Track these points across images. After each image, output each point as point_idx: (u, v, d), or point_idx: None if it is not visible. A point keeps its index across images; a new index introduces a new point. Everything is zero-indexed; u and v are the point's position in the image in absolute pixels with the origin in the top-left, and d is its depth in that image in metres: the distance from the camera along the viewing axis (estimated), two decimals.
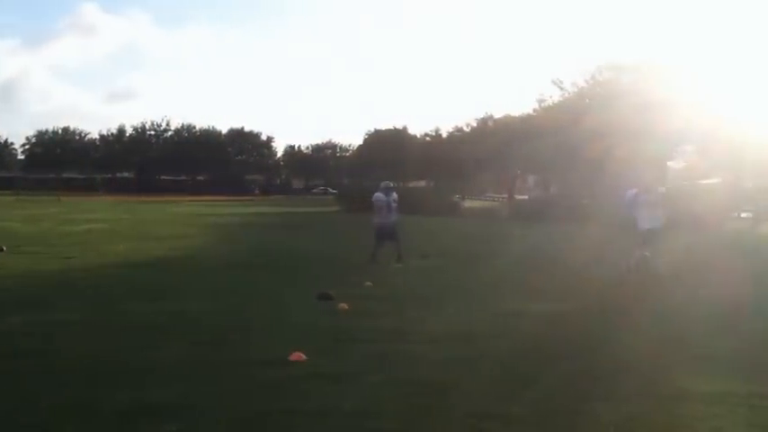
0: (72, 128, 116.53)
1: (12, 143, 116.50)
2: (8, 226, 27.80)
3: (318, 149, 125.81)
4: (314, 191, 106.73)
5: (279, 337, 8.40)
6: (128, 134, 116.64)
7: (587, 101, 45.43)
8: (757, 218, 37.94)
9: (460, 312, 10.42)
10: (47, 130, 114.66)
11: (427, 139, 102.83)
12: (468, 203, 62.40)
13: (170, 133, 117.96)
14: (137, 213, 42.01)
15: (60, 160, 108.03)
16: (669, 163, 44.02)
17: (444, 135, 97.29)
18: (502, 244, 23.03)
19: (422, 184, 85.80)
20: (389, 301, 11.28)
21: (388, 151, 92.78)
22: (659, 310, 10.76)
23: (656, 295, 12.16)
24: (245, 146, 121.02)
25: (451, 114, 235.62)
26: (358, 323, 9.32)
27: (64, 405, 5.78)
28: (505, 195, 78.37)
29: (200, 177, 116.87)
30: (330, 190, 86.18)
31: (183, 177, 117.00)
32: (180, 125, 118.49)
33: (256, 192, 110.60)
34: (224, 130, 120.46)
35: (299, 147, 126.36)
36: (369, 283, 12.88)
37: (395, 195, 16.79)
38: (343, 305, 10.39)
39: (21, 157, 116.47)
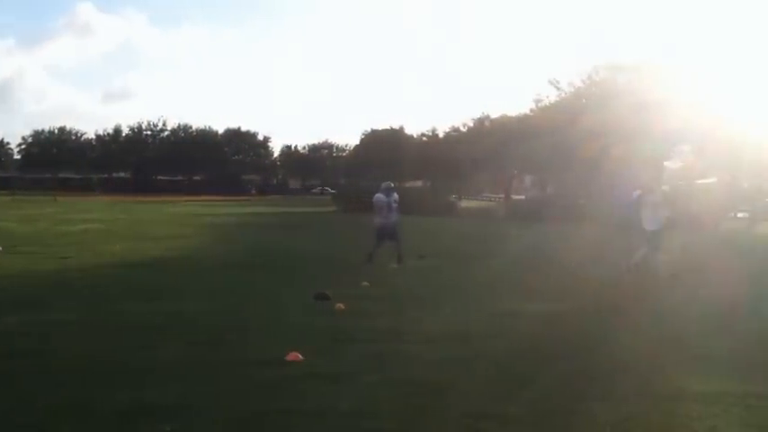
0: (68, 128, 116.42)
1: (8, 143, 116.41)
2: (4, 226, 27.73)
3: (315, 149, 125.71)
4: (313, 191, 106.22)
5: (276, 338, 8.39)
6: (124, 134, 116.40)
7: (584, 101, 45.44)
8: (754, 218, 38.06)
9: (457, 312, 10.43)
10: (43, 130, 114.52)
11: (424, 139, 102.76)
12: (464, 203, 62.58)
13: (166, 133, 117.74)
14: (133, 213, 41.94)
15: (56, 160, 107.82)
16: (666, 163, 44.03)
17: (441, 135, 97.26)
18: (498, 244, 23.05)
19: (418, 184, 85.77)
20: (386, 301, 11.28)
21: (385, 151, 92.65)
22: (656, 309, 10.78)
23: (653, 295, 12.18)
24: (242, 146, 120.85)
25: (448, 114, 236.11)
26: (355, 323, 9.32)
27: (60, 405, 5.78)
28: (502, 195, 78.53)
29: (196, 177, 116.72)
30: (329, 190, 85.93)
31: (179, 177, 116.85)
32: (176, 125, 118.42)
33: (253, 192, 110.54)
34: (220, 130, 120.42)
35: (295, 147, 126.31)
36: (365, 284, 12.88)
37: (396, 196, 16.75)
38: (340, 305, 10.39)
39: (17, 156, 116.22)
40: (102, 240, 22.25)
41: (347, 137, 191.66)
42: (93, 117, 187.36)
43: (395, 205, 16.53)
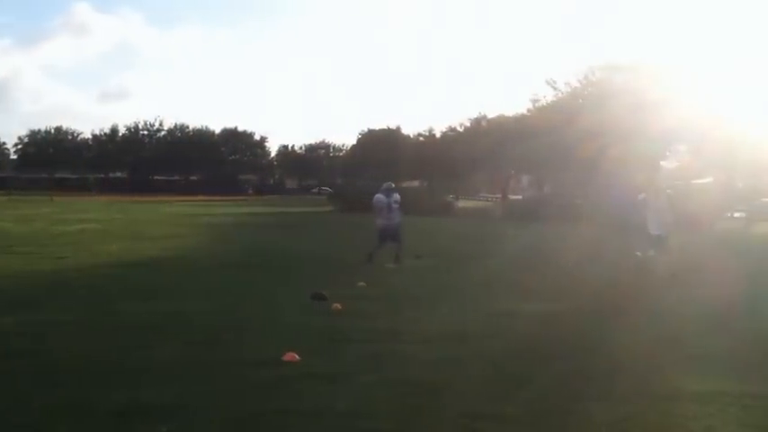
0: (65, 128, 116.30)
1: (4, 143, 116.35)
2: (0, 226, 27.69)
3: (312, 149, 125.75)
4: (312, 191, 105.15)
5: (272, 338, 8.38)
6: (121, 134, 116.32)
7: (581, 101, 45.56)
8: (750, 218, 38.12)
9: (454, 312, 10.43)
10: (39, 130, 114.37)
11: (421, 138, 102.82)
12: (461, 203, 62.55)
13: (163, 133, 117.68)
14: (130, 213, 41.89)
15: (53, 160, 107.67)
16: (662, 163, 44.12)
17: (438, 135, 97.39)
18: (495, 244, 23.06)
19: (415, 184, 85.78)
20: (383, 301, 11.28)
21: (382, 151, 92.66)
22: (653, 309, 10.79)
23: (650, 295, 12.19)
24: (239, 146, 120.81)
25: (445, 114, 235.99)
26: (351, 323, 9.32)
27: (57, 405, 5.76)
28: (499, 195, 78.57)
29: (193, 177, 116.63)
30: (328, 189, 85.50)
31: (176, 177, 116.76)
32: (173, 125, 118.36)
33: (250, 192, 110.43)
34: (217, 130, 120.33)
35: (292, 146, 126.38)
36: (362, 284, 12.88)
37: (397, 196, 16.71)
38: (337, 305, 10.39)
39: (13, 156, 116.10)
40: (99, 240, 22.22)
41: (344, 137, 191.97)
42: (89, 117, 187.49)
43: (395, 206, 16.49)
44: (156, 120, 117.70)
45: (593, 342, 8.38)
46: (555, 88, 50.05)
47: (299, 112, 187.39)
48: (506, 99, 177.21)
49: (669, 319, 10.00)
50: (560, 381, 6.70)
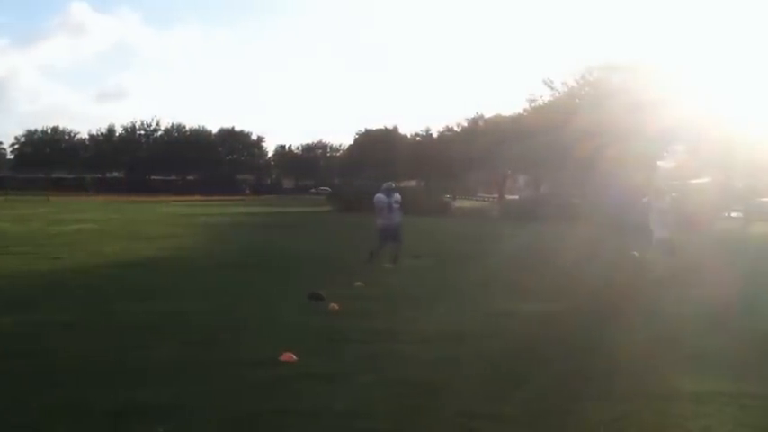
0: (61, 127, 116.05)
1: (1, 143, 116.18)
2: None
3: (309, 149, 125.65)
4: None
5: (270, 338, 8.37)
6: (117, 134, 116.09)
7: (578, 101, 45.56)
8: (747, 218, 38.16)
9: (451, 312, 10.43)
10: (36, 130, 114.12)
11: (418, 138, 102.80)
12: (458, 203, 62.55)
13: (160, 133, 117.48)
14: (126, 213, 41.85)
15: (50, 160, 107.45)
16: (659, 162, 44.16)
17: (435, 135, 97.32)
18: (493, 244, 23.07)
19: (412, 183, 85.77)
20: (381, 301, 11.27)
21: (379, 151, 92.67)
22: (651, 309, 10.79)
23: (647, 295, 12.19)
24: (236, 146, 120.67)
25: (442, 114, 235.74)
26: (349, 323, 9.31)
27: (55, 405, 5.76)
28: (496, 195, 78.59)
29: (190, 177, 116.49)
30: (328, 189, 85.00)
31: (173, 177, 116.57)
32: (170, 125, 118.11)
33: (247, 192, 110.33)
34: (214, 130, 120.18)
35: (289, 146, 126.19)
36: (359, 284, 12.87)
37: (397, 196, 16.63)
38: (334, 305, 10.38)
39: (10, 156, 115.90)
40: (96, 240, 22.19)
41: (341, 137, 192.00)
42: (86, 117, 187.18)
43: (396, 206, 16.42)
44: (152, 120, 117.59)
45: (590, 342, 8.38)
46: (552, 88, 50.13)
47: (296, 112, 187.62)
48: (503, 99, 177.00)
49: (667, 318, 10.01)
50: (558, 380, 6.70)
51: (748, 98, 37.41)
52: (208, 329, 8.82)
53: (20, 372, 6.75)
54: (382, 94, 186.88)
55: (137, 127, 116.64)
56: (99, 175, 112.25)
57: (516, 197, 66.49)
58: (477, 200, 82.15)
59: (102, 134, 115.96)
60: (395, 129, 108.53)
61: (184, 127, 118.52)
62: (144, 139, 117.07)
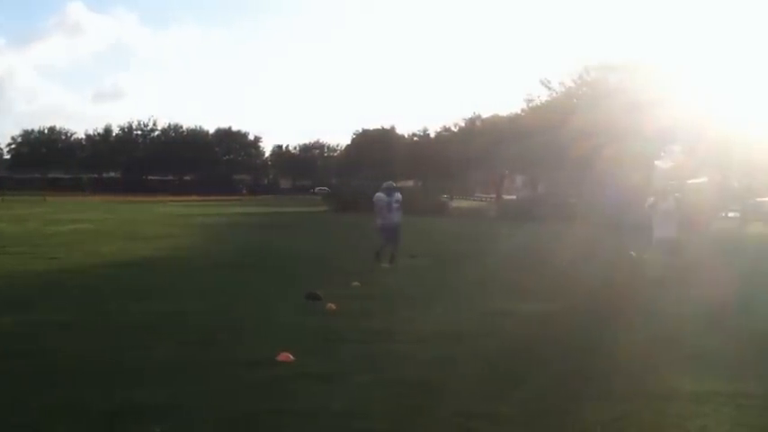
0: (58, 128, 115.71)
1: None
2: None
3: (306, 149, 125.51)
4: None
5: (266, 338, 8.37)
6: (114, 134, 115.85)
7: (575, 101, 45.53)
8: (744, 217, 38.19)
9: (449, 312, 10.43)
10: (33, 130, 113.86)
11: (415, 138, 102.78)
12: (456, 203, 62.62)
13: (157, 133, 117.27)
14: (123, 213, 41.80)
15: (46, 160, 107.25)
16: (656, 162, 44.15)
17: (432, 135, 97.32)
18: (490, 243, 23.09)
19: (410, 183, 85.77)
20: (378, 300, 11.26)
21: (376, 151, 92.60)
22: (649, 309, 10.79)
23: (645, 294, 12.18)
24: (233, 146, 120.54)
25: (439, 114, 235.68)
26: (346, 323, 9.31)
27: (52, 405, 5.76)
28: (493, 195, 78.61)
29: (187, 177, 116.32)
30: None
31: (169, 177, 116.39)
32: (167, 125, 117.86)
33: (244, 192, 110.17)
34: (211, 130, 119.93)
35: (286, 146, 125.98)
36: (356, 283, 12.86)
37: (398, 196, 16.57)
38: (331, 305, 10.38)
39: (6, 156, 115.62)
40: (92, 240, 22.17)
41: (338, 137, 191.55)
42: (83, 117, 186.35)
43: (396, 205, 16.37)
44: (149, 119, 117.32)
45: (588, 342, 8.38)
46: (549, 88, 50.06)
47: (293, 112, 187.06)
48: (501, 99, 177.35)
49: (665, 318, 10.00)
50: (556, 380, 6.69)
51: (745, 98, 37.42)
52: (205, 329, 8.81)
53: (17, 372, 6.74)
54: (379, 93, 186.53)
55: (133, 127, 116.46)
56: (96, 176, 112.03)
57: (514, 197, 66.54)
58: (474, 200, 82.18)
59: (98, 134, 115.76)
60: (392, 129, 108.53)
61: (181, 127, 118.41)
62: (141, 139, 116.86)
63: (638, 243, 16.12)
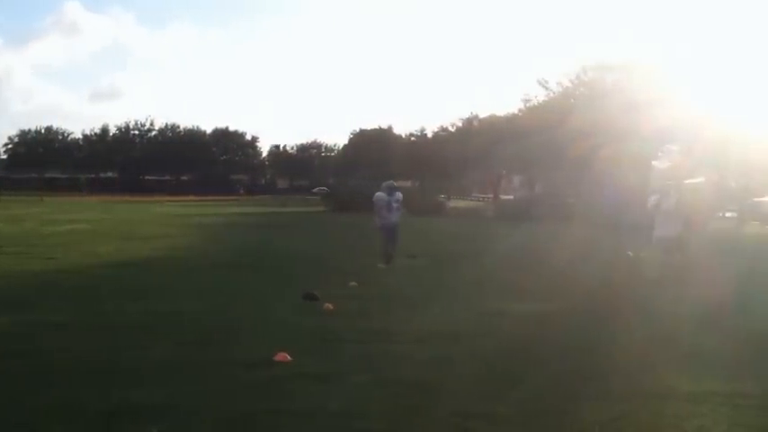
0: (55, 127, 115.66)
1: None
2: None
3: (303, 149, 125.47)
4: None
5: (264, 338, 8.35)
6: (111, 134, 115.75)
7: (572, 101, 45.56)
8: (741, 217, 38.22)
9: (446, 312, 10.42)
10: (29, 130, 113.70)
11: (412, 138, 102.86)
12: (453, 203, 62.59)
13: (154, 133, 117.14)
14: (120, 213, 41.76)
15: (43, 160, 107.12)
16: (654, 162, 44.16)
17: (430, 135, 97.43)
18: (487, 243, 23.08)
19: (407, 183, 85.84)
20: (375, 301, 11.26)
21: (374, 151, 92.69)
22: (646, 308, 10.79)
23: (643, 294, 12.18)
24: (230, 146, 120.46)
25: (437, 114, 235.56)
26: (343, 323, 9.30)
27: (50, 405, 5.75)
28: (491, 195, 78.64)
29: (184, 177, 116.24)
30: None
31: (167, 177, 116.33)
32: (164, 125, 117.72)
33: (241, 192, 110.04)
34: (208, 130, 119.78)
35: (284, 146, 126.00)
36: (354, 284, 12.86)
37: (399, 195, 16.52)
38: (329, 305, 10.37)
39: (3, 156, 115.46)
40: (89, 240, 22.14)
41: (336, 136, 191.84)
42: (80, 117, 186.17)
43: (396, 205, 16.32)
44: (146, 119, 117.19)
45: (585, 341, 8.38)
46: (546, 88, 50.06)
47: (290, 111, 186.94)
48: (498, 99, 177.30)
49: (662, 318, 10.00)
50: (553, 380, 6.69)
51: (743, 98, 37.44)
52: (202, 329, 8.80)
53: (14, 372, 6.73)
54: (377, 93, 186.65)
55: (131, 127, 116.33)
56: (93, 175, 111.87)
57: (511, 197, 66.47)
58: (471, 200, 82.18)
59: (95, 134, 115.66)
60: (389, 128, 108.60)
61: (178, 127, 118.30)
62: (138, 139, 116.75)
63: (635, 243, 16.12)
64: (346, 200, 46.57)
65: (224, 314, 9.96)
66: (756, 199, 41.12)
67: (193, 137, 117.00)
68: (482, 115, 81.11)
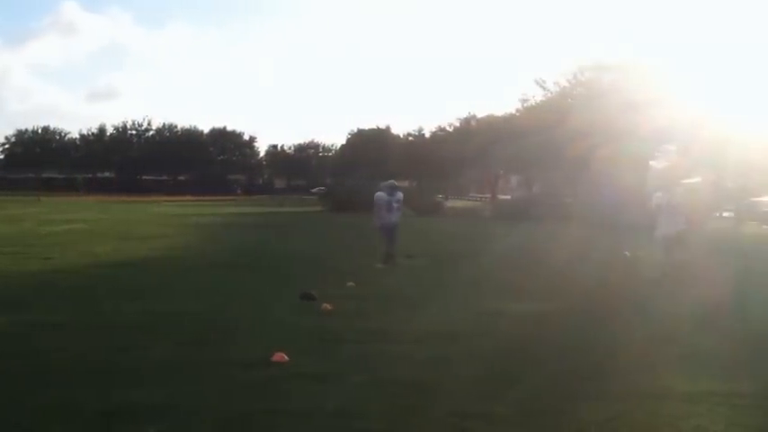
0: (52, 127, 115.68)
1: None
2: None
3: (301, 149, 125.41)
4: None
5: (261, 338, 8.35)
6: (108, 134, 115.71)
7: (570, 101, 45.58)
8: (739, 217, 38.26)
9: (444, 312, 10.42)
10: (26, 130, 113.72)
11: (410, 138, 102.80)
12: (451, 203, 62.65)
13: (151, 133, 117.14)
14: (117, 213, 41.75)
15: (40, 160, 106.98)
16: (651, 162, 44.18)
17: (427, 135, 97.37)
18: (485, 243, 23.08)
19: (405, 183, 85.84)
20: (373, 300, 11.25)
21: (371, 151, 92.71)
22: (644, 308, 10.80)
23: (640, 294, 12.19)
24: (228, 145, 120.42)
25: (434, 114, 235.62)
26: (341, 323, 9.29)
27: (49, 405, 5.75)
28: (488, 195, 78.62)
29: (181, 177, 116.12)
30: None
31: (164, 177, 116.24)
32: (161, 125, 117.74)
33: (238, 192, 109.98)
34: (206, 130, 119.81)
35: (281, 146, 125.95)
36: (352, 284, 12.85)
37: (399, 195, 16.46)
38: (327, 305, 10.36)
39: (0, 156, 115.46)
40: (87, 240, 22.12)
41: (333, 136, 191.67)
42: (77, 116, 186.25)
43: (396, 205, 16.28)
44: (144, 119, 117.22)
45: (582, 341, 8.38)
46: (544, 88, 50.10)
47: (287, 111, 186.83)
48: (496, 99, 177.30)
49: (659, 318, 10.01)
50: (550, 380, 6.69)
51: (741, 98, 37.48)
52: (200, 330, 8.79)
53: (12, 372, 6.73)
54: (374, 93, 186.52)
55: (128, 127, 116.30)
56: (90, 175, 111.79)
57: (509, 197, 66.55)
58: (469, 200, 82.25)
59: (93, 134, 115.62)
60: (387, 128, 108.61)
61: (176, 127, 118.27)
62: (135, 139, 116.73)
63: (633, 242, 16.12)
64: (344, 200, 46.53)
65: (221, 314, 9.95)
66: (754, 199, 41.15)
67: (191, 137, 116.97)
68: (480, 115, 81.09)
